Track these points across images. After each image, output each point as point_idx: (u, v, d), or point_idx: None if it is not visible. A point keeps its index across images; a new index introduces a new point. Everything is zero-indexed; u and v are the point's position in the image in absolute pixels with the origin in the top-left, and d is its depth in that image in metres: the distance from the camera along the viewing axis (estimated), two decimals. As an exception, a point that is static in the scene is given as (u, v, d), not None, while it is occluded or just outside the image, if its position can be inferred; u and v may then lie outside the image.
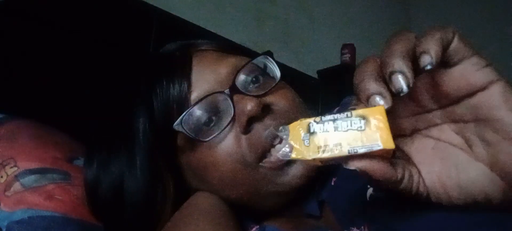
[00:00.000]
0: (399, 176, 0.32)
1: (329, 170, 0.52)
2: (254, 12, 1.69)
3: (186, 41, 0.56)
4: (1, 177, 0.54)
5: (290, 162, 0.46)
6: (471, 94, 0.31)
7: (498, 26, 2.24)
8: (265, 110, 0.47)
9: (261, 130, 0.46)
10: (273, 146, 0.46)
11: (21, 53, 0.89)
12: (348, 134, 0.30)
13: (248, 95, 0.48)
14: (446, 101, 0.33)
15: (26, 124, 0.62)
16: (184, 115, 0.47)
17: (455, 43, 0.30)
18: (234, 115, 0.47)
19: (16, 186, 0.53)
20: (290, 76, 0.53)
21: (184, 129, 0.47)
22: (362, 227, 0.43)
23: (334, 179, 0.51)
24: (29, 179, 0.54)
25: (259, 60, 0.52)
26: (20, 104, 0.73)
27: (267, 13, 1.73)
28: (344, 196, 0.48)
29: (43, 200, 0.52)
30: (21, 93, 0.87)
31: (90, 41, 1.02)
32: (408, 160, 0.35)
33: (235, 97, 0.47)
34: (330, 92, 1.72)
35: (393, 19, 2.48)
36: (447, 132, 0.34)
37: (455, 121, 0.34)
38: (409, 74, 0.29)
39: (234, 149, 0.47)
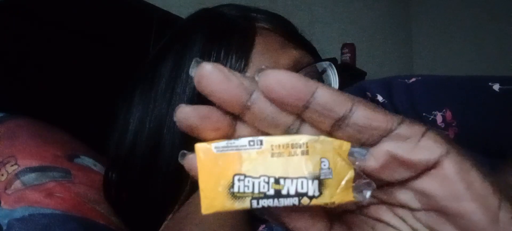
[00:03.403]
0: None
1: None
2: (254, 12, 1.69)
3: (250, 10, 0.53)
4: (2, 175, 0.54)
5: None
6: (413, 177, 0.22)
7: (498, 26, 2.24)
8: None
9: None
10: None
11: (21, 53, 0.89)
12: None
13: None
14: (380, 182, 0.22)
15: (27, 122, 0.62)
16: None
17: (357, 116, 0.20)
18: None
19: (17, 184, 0.53)
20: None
21: None
22: None
23: None
24: (30, 177, 0.54)
25: (321, 65, 0.49)
26: (20, 103, 0.73)
27: (267, 13, 1.74)
28: None
29: (43, 197, 0.52)
30: (21, 93, 0.87)
31: (90, 41, 1.02)
32: None
33: None
34: (330, 92, 1.72)
35: (393, 19, 2.48)
36: (387, 213, 0.24)
37: (396, 206, 0.23)
38: None
39: None
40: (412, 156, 0.20)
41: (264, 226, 0.49)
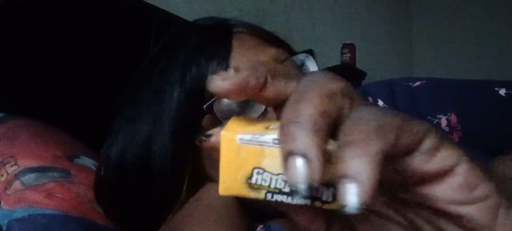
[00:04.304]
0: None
1: None
2: (254, 12, 1.69)
3: (226, 19, 0.56)
4: (2, 175, 0.54)
5: None
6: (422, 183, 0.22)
7: (498, 26, 2.24)
8: None
9: None
10: None
11: (21, 53, 0.89)
12: None
13: None
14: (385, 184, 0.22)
15: (26, 123, 0.62)
16: (216, 99, 0.47)
17: (403, 139, 0.19)
18: (266, 108, 0.47)
19: (17, 184, 0.53)
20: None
21: (214, 111, 0.47)
22: None
23: None
24: (30, 177, 0.54)
25: (299, 58, 0.51)
26: (20, 103, 0.73)
27: (267, 13, 1.73)
28: None
29: (43, 198, 0.52)
30: (21, 93, 0.87)
31: (90, 41, 1.02)
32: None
33: None
34: (330, 92, 1.72)
35: (393, 19, 2.48)
36: (388, 208, 0.24)
37: (395, 200, 0.23)
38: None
39: None
40: (427, 168, 0.20)
41: (262, 226, 0.49)
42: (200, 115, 0.49)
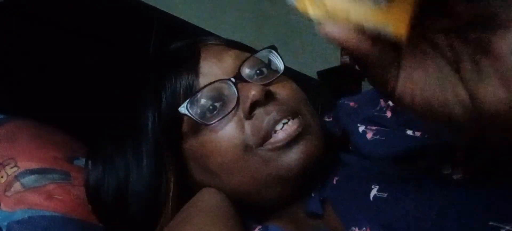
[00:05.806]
0: (375, 56, 0.29)
1: (331, 167, 0.52)
2: (254, 13, 1.69)
3: (192, 38, 0.58)
4: (2, 177, 0.54)
5: (291, 143, 0.46)
6: (487, 25, 0.26)
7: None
8: (268, 97, 0.48)
9: (264, 115, 0.47)
10: (275, 131, 0.47)
11: (21, 53, 0.89)
12: (361, 5, 0.28)
13: (252, 82, 0.49)
14: (455, 17, 0.27)
15: (26, 124, 0.62)
16: (190, 100, 0.48)
17: None
18: (238, 100, 0.48)
19: (17, 186, 0.53)
20: (290, 77, 0.54)
21: (189, 112, 0.48)
22: (365, 228, 0.43)
23: (336, 178, 0.51)
24: (29, 179, 0.54)
25: (263, 54, 0.53)
26: (20, 104, 0.73)
27: (267, 14, 1.73)
28: (347, 196, 0.48)
29: (43, 200, 0.52)
30: (21, 93, 0.87)
31: (90, 41, 1.02)
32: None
33: (240, 85, 0.49)
34: (330, 93, 1.72)
35: (393, 20, 2.48)
36: (444, 41, 0.29)
37: (456, 34, 0.28)
38: None
39: (237, 134, 0.47)
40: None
41: (259, 227, 0.50)
42: (178, 124, 0.50)
